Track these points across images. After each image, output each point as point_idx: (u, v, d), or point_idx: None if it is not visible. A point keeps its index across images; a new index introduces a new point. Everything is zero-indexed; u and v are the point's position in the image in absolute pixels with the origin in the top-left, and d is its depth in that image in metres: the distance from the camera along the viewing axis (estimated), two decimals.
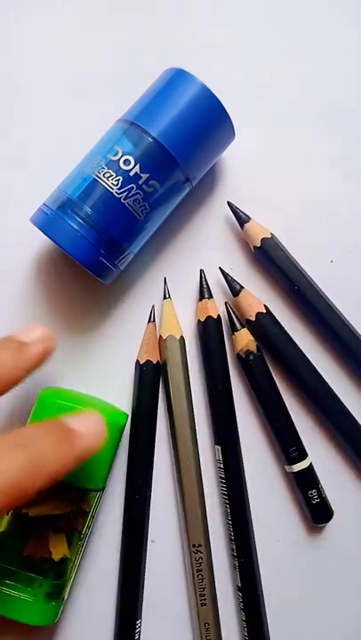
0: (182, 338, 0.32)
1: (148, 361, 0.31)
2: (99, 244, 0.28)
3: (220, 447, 0.31)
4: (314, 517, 0.32)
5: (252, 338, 0.32)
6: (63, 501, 0.27)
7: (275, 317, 0.32)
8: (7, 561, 0.27)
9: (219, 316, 0.32)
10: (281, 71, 0.35)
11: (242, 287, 0.32)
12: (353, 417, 0.32)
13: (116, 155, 0.28)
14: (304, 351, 0.32)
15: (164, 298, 0.32)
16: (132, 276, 0.33)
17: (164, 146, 0.27)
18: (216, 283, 0.33)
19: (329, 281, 0.33)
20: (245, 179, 0.34)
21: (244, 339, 0.31)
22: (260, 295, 0.33)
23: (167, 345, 0.31)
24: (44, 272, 0.32)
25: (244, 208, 0.32)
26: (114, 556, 0.32)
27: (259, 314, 0.32)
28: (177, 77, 0.29)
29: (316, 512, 0.32)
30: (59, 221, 0.27)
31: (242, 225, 0.32)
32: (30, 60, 0.34)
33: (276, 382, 0.32)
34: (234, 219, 0.33)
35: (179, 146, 0.28)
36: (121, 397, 0.32)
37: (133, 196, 0.28)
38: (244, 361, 0.32)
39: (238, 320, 0.32)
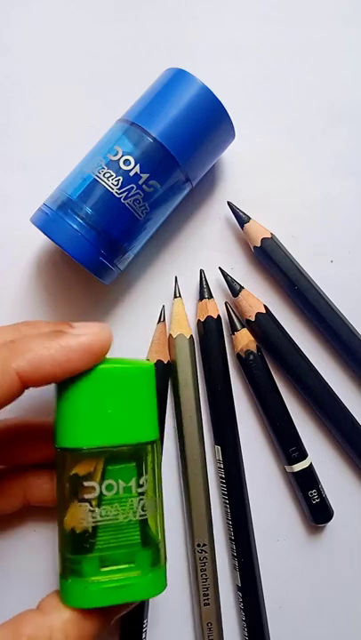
0: (192, 337, 0.32)
1: (158, 361, 0.31)
2: (99, 243, 0.28)
3: (220, 447, 0.31)
4: (314, 517, 0.32)
5: (252, 338, 0.32)
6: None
7: (275, 317, 0.32)
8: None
9: (219, 315, 0.32)
10: (281, 71, 0.35)
11: (242, 287, 0.32)
12: (353, 417, 0.32)
13: (116, 155, 0.28)
14: (304, 351, 0.32)
15: (175, 297, 0.32)
16: (132, 276, 0.33)
17: (164, 146, 0.27)
18: (216, 283, 0.33)
19: (329, 281, 0.33)
20: (245, 179, 0.34)
21: (244, 339, 0.31)
22: (260, 295, 0.33)
23: (177, 344, 0.31)
24: (44, 272, 0.32)
25: (244, 208, 0.32)
26: None
27: (259, 314, 0.32)
28: (177, 77, 0.29)
29: (316, 512, 0.32)
30: (59, 221, 0.27)
31: (242, 225, 0.32)
32: (30, 60, 0.34)
33: (277, 382, 0.32)
34: (234, 219, 0.33)
35: (179, 146, 0.28)
36: None
37: (133, 196, 0.28)
38: (244, 361, 0.32)
39: (238, 320, 0.32)
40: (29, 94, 0.33)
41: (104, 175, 0.27)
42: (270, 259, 0.32)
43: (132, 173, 0.27)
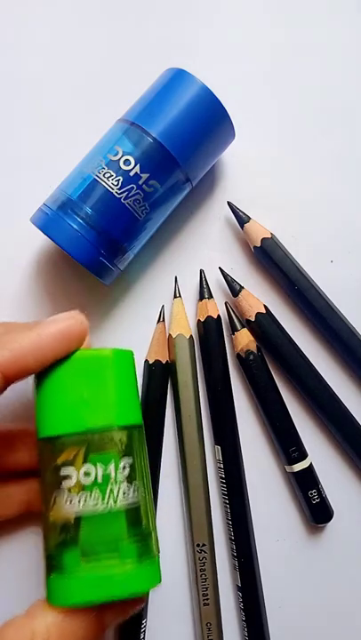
0: (191, 337, 0.32)
1: (157, 361, 0.31)
2: (99, 244, 0.28)
3: (220, 447, 0.31)
4: (314, 517, 0.32)
5: (252, 338, 0.32)
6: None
7: (275, 317, 0.32)
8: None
9: (219, 315, 0.32)
10: (281, 71, 0.35)
11: (242, 287, 0.32)
12: (353, 417, 0.32)
13: (116, 155, 0.28)
14: (304, 351, 0.32)
15: (175, 297, 0.32)
16: (132, 276, 0.33)
17: (164, 146, 0.27)
18: (216, 283, 0.33)
19: (329, 281, 0.33)
20: (245, 179, 0.34)
21: (244, 339, 0.31)
22: (260, 295, 0.33)
23: (177, 344, 0.31)
24: (44, 272, 0.32)
25: (244, 208, 0.32)
26: None
27: (259, 314, 0.32)
28: (177, 77, 0.29)
29: (316, 512, 0.32)
30: (59, 221, 0.27)
31: (242, 225, 0.32)
32: (30, 60, 0.34)
33: (277, 382, 0.32)
34: (234, 219, 0.33)
35: (179, 146, 0.28)
36: None
37: (133, 196, 0.28)
38: (244, 361, 0.32)
39: (238, 320, 0.32)
40: (29, 94, 0.33)
41: (104, 175, 0.27)
42: (270, 259, 0.32)
43: (132, 173, 0.27)
